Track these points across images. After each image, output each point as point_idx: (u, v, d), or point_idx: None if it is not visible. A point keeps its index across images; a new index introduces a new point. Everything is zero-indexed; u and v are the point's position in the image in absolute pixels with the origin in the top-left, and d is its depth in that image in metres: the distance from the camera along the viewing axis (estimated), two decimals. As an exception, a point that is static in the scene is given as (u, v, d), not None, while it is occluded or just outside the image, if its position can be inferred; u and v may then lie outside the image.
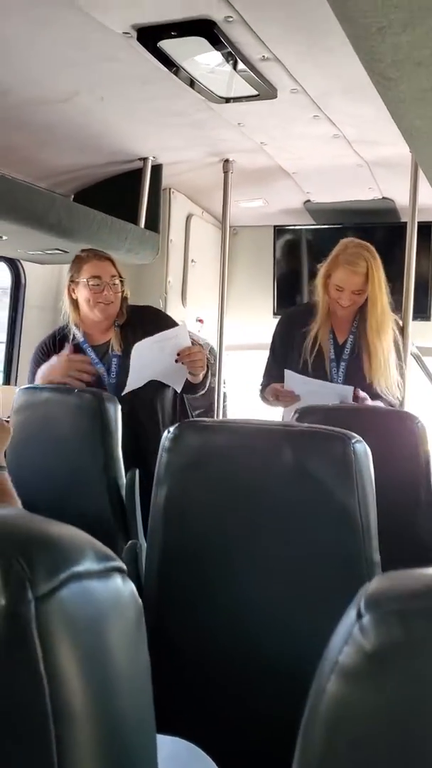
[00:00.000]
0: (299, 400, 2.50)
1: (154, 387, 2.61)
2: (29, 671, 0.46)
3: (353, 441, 1.26)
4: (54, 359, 2.56)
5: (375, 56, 1.05)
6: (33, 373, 2.66)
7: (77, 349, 2.61)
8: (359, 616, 0.41)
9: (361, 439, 1.28)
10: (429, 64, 1.07)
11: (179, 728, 1.00)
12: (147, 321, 2.63)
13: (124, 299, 2.65)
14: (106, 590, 0.51)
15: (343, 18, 0.97)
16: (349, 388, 2.43)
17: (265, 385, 2.78)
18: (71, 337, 2.62)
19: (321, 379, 2.58)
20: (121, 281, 2.58)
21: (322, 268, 2.62)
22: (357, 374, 2.58)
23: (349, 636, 0.41)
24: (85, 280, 2.53)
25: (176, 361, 2.47)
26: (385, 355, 2.57)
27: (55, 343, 2.68)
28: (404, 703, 0.39)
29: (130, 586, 0.53)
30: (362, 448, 1.27)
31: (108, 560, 0.52)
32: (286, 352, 2.72)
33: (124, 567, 0.53)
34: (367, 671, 0.39)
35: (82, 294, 2.56)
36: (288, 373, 2.56)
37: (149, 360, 2.50)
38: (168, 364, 2.50)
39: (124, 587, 0.52)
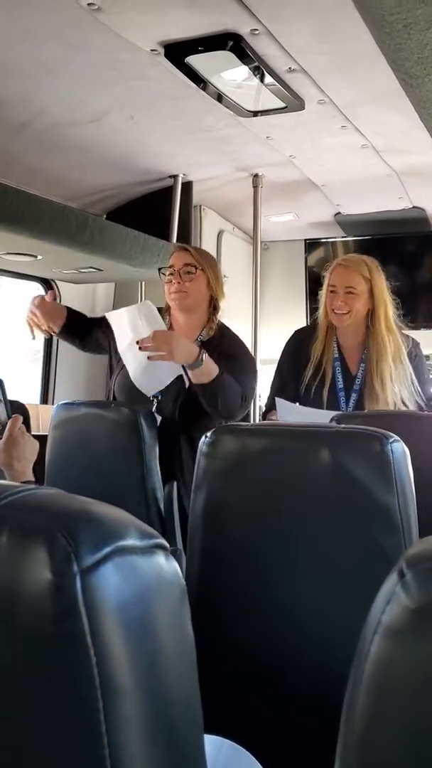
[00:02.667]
0: None
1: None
2: (77, 644, 0.47)
3: (391, 440, 1.25)
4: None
5: (401, 54, 1.06)
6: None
7: None
8: (401, 575, 0.41)
9: (399, 438, 1.27)
10: (456, 60, 1.08)
11: (222, 728, 0.99)
12: (225, 348, 2.45)
13: (214, 307, 2.51)
14: (150, 566, 0.51)
15: (369, 16, 0.98)
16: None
17: (269, 407, 2.66)
18: None
19: (326, 405, 2.48)
20: (200, 270, 2.43)
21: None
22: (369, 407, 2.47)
23: (392, 595, 0.41)
24: (167, 271, 2.46)
25: (140, 349, 2.28)
26: (391, 375, 2.47)
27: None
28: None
29: (174, 564, 0.54)
30: (400, 448, 1.26)
31: (151, 537, 0.52)
32: (295, 371, 2.62)
33: (167, 545, 0.53)
34: (411, 628, 0.39)
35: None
36: (279, 402, 2.45)
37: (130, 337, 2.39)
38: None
39: (168, 565, 0.53)
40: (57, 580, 0.47)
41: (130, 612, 0.49)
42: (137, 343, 2.29)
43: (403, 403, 2.49)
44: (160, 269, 2.54)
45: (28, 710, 0.47)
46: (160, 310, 2.54)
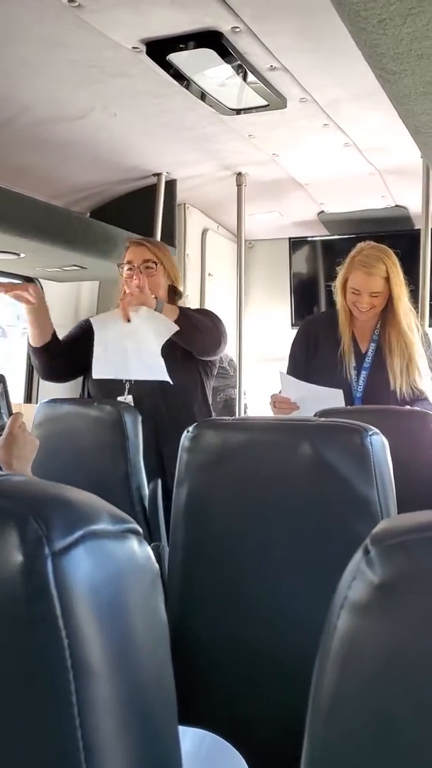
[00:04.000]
0: (297, 408, 2.44)
1: (181, 398, 2.58)
2: (48, 626, 0.47)
3: (370, 433, 1.26)
4: None
5: (377, 49, 1.07)
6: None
7: None
8: (366, 552, 0.42)
9: (378, 431, 1.28)
10: (431, 56, 1.09)
11: (204, 721, 1.00)
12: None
13: (174, 293, 2.59)
14: (123, 551, 0.52)
15: (344, 11, 0.99)
16: (339, 392, 2.38)
17: None
18: None
19: (341, 387, 2.56)
20: (162, 268, 2.51)
21: (339, 274, 2.61)
22: (380, 384, 2.54)
23: (357, 571, 0.41)
24: (123, 265, 2.52)
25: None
26: (411, 357, 2.53)
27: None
28: (413, 633, 0.39)
29: (147, 549, 0.54)
30: (379, 440, 1.27)
31: (123, 522, 0.53)
32: (307, 361, 2.70)
33: (140, 530, 0.54)
34: (375, 604, 0.40)
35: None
36: (283, 377, 2.51)
37: (115, 338, 2.41)
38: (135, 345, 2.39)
39: (140, 549, 0.53)
40: (28, 563, 0.47)
41: (101, 595, 0.49)
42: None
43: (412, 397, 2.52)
44: (118, 264, 2.57)
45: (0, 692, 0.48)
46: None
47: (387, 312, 2.57)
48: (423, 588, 0.39)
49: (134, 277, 2.47)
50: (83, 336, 2.60)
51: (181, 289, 2.65)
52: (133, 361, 2.44)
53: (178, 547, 1.36)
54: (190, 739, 1.04)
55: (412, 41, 1.05)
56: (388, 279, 2.53)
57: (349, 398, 2.56)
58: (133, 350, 2.44)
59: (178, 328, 2.42)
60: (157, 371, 2.43)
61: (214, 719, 1.05)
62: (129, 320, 2.42)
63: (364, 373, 2.59)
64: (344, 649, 0.41)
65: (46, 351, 2.57)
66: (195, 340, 2.51)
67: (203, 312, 2.67)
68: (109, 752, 0.49)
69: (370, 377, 2.57)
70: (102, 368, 2.40)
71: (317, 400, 2.32)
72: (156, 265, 2.51)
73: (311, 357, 2.68)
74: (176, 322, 2.42)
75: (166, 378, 2.42)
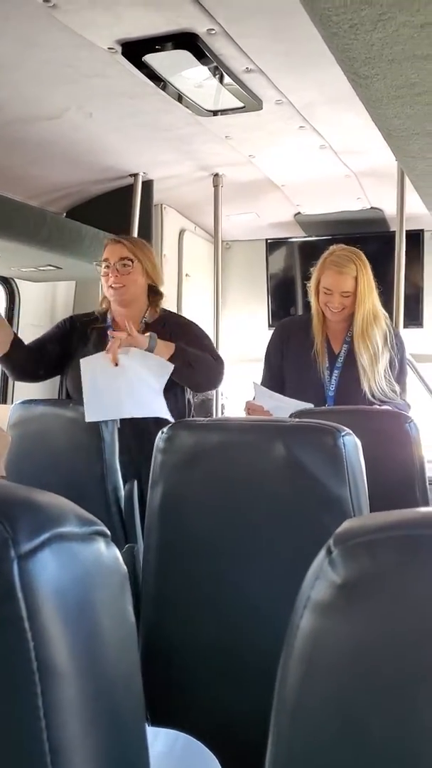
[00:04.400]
0: (270, 416, 2.45)
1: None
2: (14, 628, 0.47)
3: (342, 433, 1.27)
4: None
5: (349, 54, 1.08)
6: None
7: (98, 334, 2.52)
8: (329, 552, 0.42)
9: (351, 432, 1.29)
10: (402, 61, 1.10)
11: (178, 722, 1.00)
12: (174, 324, 2.55)
13: (154, 293, 2.54)
14: (90, 553, 0.52)
15: (316, 16, 0.99)
16: (310, 405, 2.40)
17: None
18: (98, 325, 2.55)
19: (314, 387, 2.59)
20: (139, 265, 2.46)
21: (313, 276, 2.64)
22: (351, 384, 2.57)
23: (320, 571, 0.42)
24: (101, 263, 2.48)
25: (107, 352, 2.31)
26: (378, 358, 2.57)
27: (76, 323, 2.60)
28: (374, 633, 0.40)
29: (114, 551, 0.54)
30: (352, 441, 1.28)
31: (91, 524, 0.53)
32: (282, 363, 2.73)
33: (108, 532, 0.54)
34: (337, 603, 0.41)
35: (102, 280, 2.51)
36: (257, 387, 2.55)
37: (106, 380, 2.34)
38: (134, 386, 2.35)
39: (107, 551, 0.54)
40: (-6, 566, 0.47)
41: (68, 597, 0.49)
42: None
43: (384, 399, 2.55)
44: (95, 263, 2.54)
45: (-35, 694, 0.48)
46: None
47: (357, 313, 2.59)
48: (384, 588, 0.40)
49: (109, 276, 2.45)
50: (60, 337, 2.59)
51: (162, 289, 2.59)
52: (128, 400, 2.36)
53: (152, 548, 1.37)
54: (163, 739, 1.04)
55: (383, 46, 1.06)
56: (357, 281, 2.56)
57: (322, 398, 2.59)
58: (126, 390, 2.36)
59: (173, 367, 2.37)
60: (157, 408, 2.37)
61: (188, 720, 1.05)
62: (116, 364, 2.34)
63: (336, 373, 2.62)
64: (307, 648, 0.42)
65: (8, 360, 2.52)
66: (188, 376, 2.46)
67: (204, 345, 2.55)
68: (76, 753, 0.49)
69: (342, 377, 2.60)
70: (95, 412, 2.30)
71: (288, 411, 2.35)
72: (132, 262, 2.45)
73: (285, 358, 2.71)
74: (171, 359, 2.37)
75: (167, 416, 2.35)
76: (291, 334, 2.74)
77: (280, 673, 0.44)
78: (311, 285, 2.64)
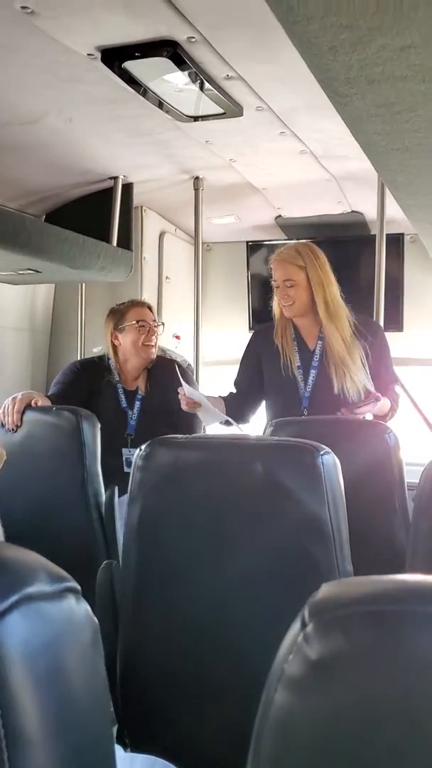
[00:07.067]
0: (198, 406, 2.56)
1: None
2: (-19, 696, 0.46)
3: (322, 453, 1.27)
4: None
5: (329, 74, 1.07)
6: (57, 383, 2.88)
7: (112, 388, 2.84)
8: (303, 625, 0.41)
9: (330, 450, 1.29)
10: (381, 81, 1.09)
11: (155, 747, 0.99)
12: (168, 369, 2.83)
13: None
14: (60, 611, 0.51)
15: (295, 38, 0.98)
16: (223, 418, 2.52)
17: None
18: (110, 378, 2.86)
19: (290, 389, 2.58)
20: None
21: None
22: (326, 382, 2.54)
23: (294, 645, 0.41)
24: (134, 322, 2.80)
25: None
26: (344, 356, 2.53)
27: (88, 372, 2.87)
28: (348, 709, 0.39)
29: (85, 607, 0.53)
30: (331, 460, 1.28)
31: (61, 581, 0.52)
32: (261, 368, 2.71)
33: (78, 587, 0.53)
34: (311, 680, 0.40)
35: (128, 338, 2.80)
36: (186, 388, 2.56)
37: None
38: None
39: (78, 607, 0.53)
40: (-39, 632, 0.46)
41: (37, 661, 0.48)
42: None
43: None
44: (114, 325, 2.87)
45: None
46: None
47: (318, 303, 2.57)
48: (358, 665, 0.39)
49: (150, 334, 2.82)
50: (74, 390, 2.81)
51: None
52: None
53: (130, 567, 1.35)
54: (141, 764, 1.03)
55: (362, 67, 1.05)
56: (305, 271, 2.55)
57: (297, 398, 2.57)
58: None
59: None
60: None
61: (165, 745, 1.04)
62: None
63: (312, 372, 2.59)
64: (281, 723, 0.41)
65: None
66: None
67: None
68: None
69: (318, 376, 2.58)
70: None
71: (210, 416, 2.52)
72: (159, 326, 2.89)
73: (263, 362, 2.70)
74: None
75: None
76: (261, 341, 2.74)
77: (253, 744, 0.44)
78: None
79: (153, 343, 2.84)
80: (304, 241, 2.67)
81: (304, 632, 0.41)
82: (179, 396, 2.56)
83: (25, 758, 0.46)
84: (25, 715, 0.47)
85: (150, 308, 2.91)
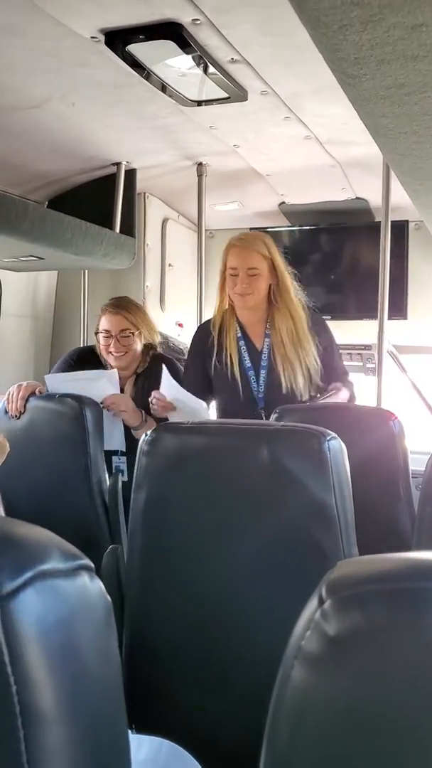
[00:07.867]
0: (173, 408, 2.45)
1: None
2: (-4, 673, 0.46)
3: (328, 438, 1.26)
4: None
5: (338, 54, 1.06)
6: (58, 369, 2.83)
7: None
8: (321, 602, 0.41)
9: (336, 435, 1.29)
10: (391, 62, 1.08)
11: (162, 729, 0.99)
12: (158, 371, 2.59)
13: (147, 347, 2.76)
14: (74, 589, 0.51)
15: (305, 16, 0.97)
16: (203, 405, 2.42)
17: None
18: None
19: (241, 387, 2.52)
20: (139, 333, 2.71)
21: (220, 268, 2.59)
22: (279, 380, 2.48)
23: (312, 622, 0.41)
24: (101, 330, 2.72)
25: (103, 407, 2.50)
26: (291, 350, 2.48)
27: (82, 366, 2.79)
28: (365, 687, 0.39)
29: (98, 584, 0.53)
30: (337, 445, 1.27)
31: (75, 559, 0.52)
32: (200, 362, 2.65)
33: (92, 565, 0.53)
34: (329, 656, 0.40)
35: (100, 343, 2.75)
36: (165, 377, 2.46)
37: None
38: None
39: (91, 585, 0.52)
40: (-25, 609, 0.46)
41: (52, 638, 0.48)
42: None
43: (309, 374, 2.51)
44: (96, 333, 2.78)
45: None
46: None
47: (273, 302, 2.52)
48: (376, 643, 0.39)
49: (113, 344, 2.68)
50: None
51: (157, 338, 2.87)
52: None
53: (135, 551, 1.35)
54: (148, 746, 1.03)
55: (372, 47, 1.04)
56: (271, 261, 2.50)
57: (250, 400, 2.52)
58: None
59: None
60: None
61: (172, 726, 1.04)
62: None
63: (263, 373, 2.53)
64: (298, 700, 0.41)
65: None
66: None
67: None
68: (60, 797, 0.48)
69: (269, 375, 2.51)
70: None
71: (189, 408, 2.41)
72: (133, 334, 2.70)
73: (208, 368, 2.61)
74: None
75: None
76: (207, 337, 2.65)
77: (269, 722, 0.43)
78: (219, 278, 2.59)
79: (121, 353, 2.69)
80: (259, 232, 2.60)
81: (321, 609, 0.41)
82: (151, 399, 2.48)
83: (40, 735, 0.46)
84: (40, 692, 0.47)
85: (128, 313, 2.72)
